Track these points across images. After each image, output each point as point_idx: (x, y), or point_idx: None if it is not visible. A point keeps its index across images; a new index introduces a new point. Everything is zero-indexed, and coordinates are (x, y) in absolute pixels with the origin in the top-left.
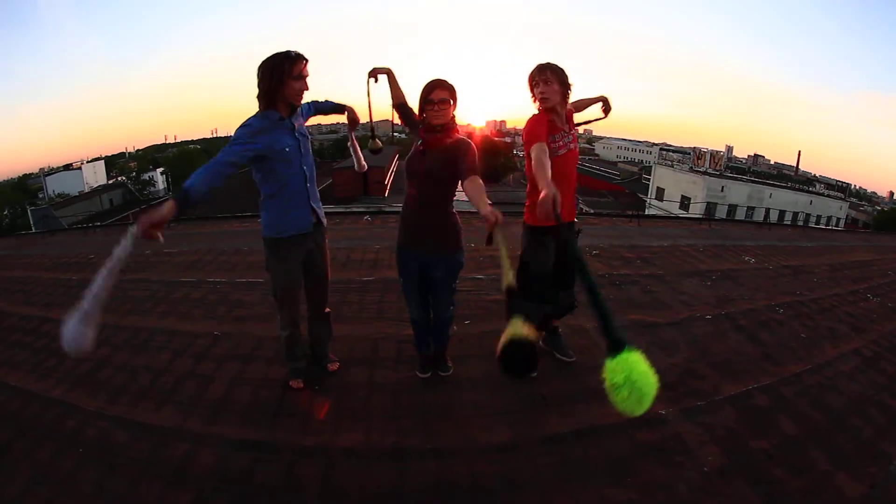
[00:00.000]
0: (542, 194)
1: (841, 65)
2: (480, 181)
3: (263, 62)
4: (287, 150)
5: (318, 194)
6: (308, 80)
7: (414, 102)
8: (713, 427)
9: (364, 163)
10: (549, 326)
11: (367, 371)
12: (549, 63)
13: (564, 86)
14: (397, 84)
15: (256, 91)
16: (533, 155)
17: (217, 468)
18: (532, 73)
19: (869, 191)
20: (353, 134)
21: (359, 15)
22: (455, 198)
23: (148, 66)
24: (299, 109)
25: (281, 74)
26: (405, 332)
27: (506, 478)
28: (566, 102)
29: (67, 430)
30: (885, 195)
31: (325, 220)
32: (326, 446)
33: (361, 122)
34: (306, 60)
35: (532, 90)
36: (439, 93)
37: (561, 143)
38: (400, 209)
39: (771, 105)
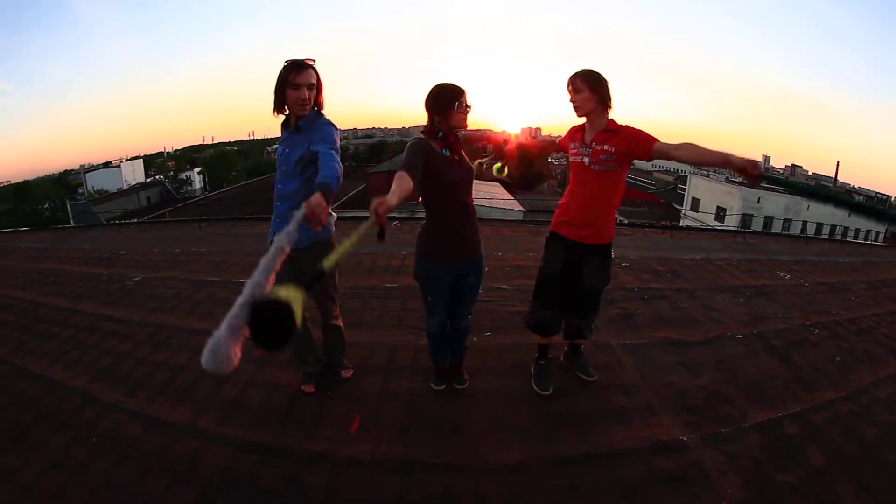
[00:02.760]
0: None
1: (879, 72)
2: None
3: None
4: (276, 157)
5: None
6: (309, 90)
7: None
8: (737, 456)
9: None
10: (550, 336)
11: (381, 380)
12: (579, 70)
13: (597, 91)
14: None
15: None
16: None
17: (223, 468)
18: (566, 82)
19: None
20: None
21: (394, 21)
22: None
23: (187, 67)
24: (310, 129)
25: (282, 83)
26: (423, 341)
27: (512, 499)
28: (605, 110)
29: (84, 419)
30: None
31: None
32: (332, 454)
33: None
34: (309, 69)
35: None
36: (467, 98)
37: (575, 150)
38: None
39: (809, 114)
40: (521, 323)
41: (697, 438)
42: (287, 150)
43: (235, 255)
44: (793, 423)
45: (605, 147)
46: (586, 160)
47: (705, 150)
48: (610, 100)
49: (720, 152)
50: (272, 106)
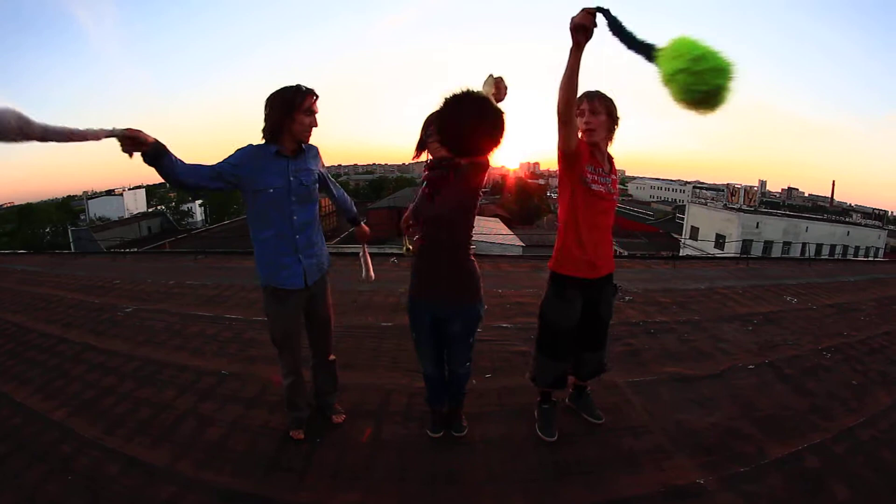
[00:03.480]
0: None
1: (871, 88)
2: None
3: (272, 94)
4: (272, 191)
5: (320, 245)
6: (317, 116)
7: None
8: (757, 497)
9: (373, 274)
10: (567, 385)
11: (373, 425)
12: (596, 91)
13: (612, 119)
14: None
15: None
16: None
17: None
18: (579, 100)
19: None
20: (365, 246)
21: (395, 56)
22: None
23: (191, 100)
24: (309, 151)
25: (291, 108)
26: (419, 384)
27: None
28: (611, 139)
29: (61, 454)
30: None
31: (320, 273)
32: None
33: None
34: (317, 96)
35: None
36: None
37: (597, 177)
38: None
39: (802, 135)
40: (528, 379)
41: (714, 481)
42: (292, 178)
43: (229, 290)
44: (813, 456)
45: (615, 178)
46: (607, 190)
47: None
48: (615, 128)
49: None
50: (268, 132)
